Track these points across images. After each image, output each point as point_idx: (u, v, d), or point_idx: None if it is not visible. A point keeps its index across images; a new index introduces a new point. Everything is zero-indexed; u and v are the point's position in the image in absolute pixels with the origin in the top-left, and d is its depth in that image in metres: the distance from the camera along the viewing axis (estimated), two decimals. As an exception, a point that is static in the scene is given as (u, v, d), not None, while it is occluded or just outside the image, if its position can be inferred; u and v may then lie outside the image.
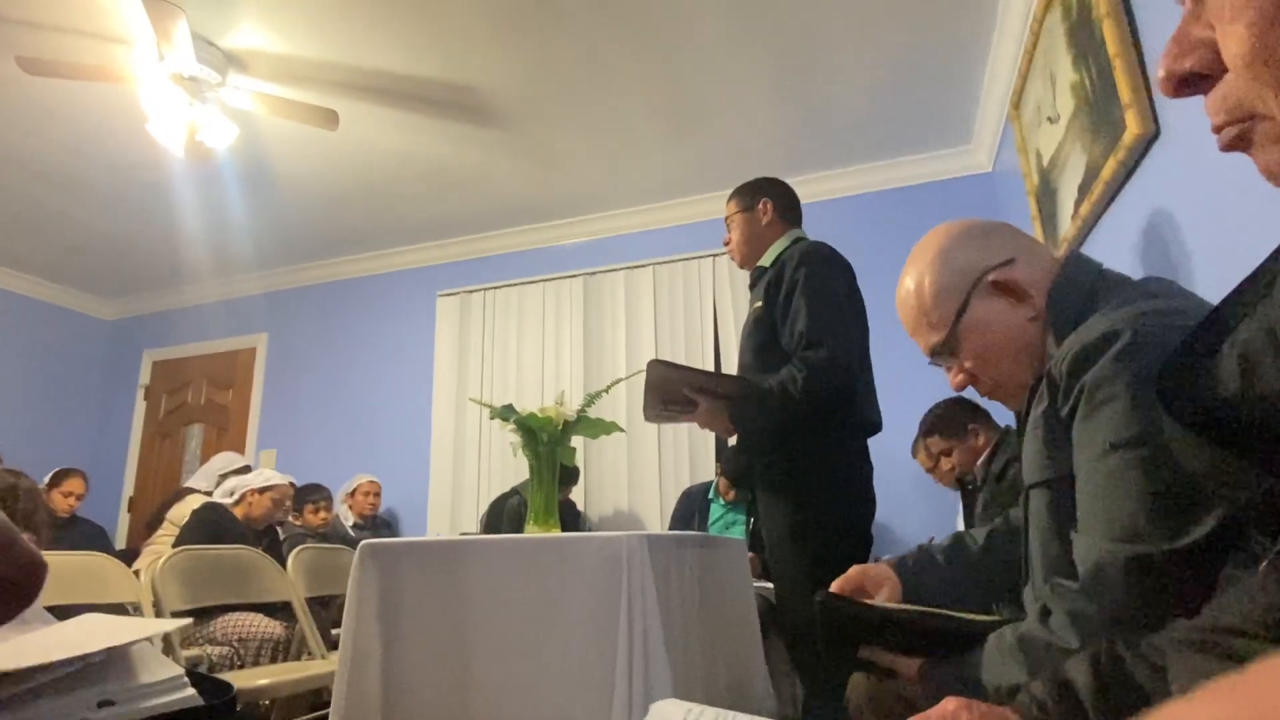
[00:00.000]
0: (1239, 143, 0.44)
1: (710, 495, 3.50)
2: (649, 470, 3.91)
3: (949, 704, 0.58)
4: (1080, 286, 0.85)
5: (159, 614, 2.04)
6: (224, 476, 3.62)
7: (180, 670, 0.62)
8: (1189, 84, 0.45)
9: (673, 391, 1.78)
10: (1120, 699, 0.53)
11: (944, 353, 0.93)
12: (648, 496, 3.88)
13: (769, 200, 1.99)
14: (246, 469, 3.72)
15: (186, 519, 2.97)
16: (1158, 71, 0.46)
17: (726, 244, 2.06)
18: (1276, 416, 0.44)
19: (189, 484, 3.79)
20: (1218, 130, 0.44)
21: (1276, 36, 0.38)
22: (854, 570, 1.06)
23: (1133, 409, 0.69)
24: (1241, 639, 0.42)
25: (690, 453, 3.88)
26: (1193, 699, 0.19)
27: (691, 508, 3.49)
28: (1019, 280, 0.88)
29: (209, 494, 3.61)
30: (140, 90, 2.80)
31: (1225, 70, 0.42)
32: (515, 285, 4.45)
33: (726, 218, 2.05)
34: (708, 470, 3.75)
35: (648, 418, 1.90)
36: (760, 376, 1.77)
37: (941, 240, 0.94)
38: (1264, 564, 0.44)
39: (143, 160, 3.57)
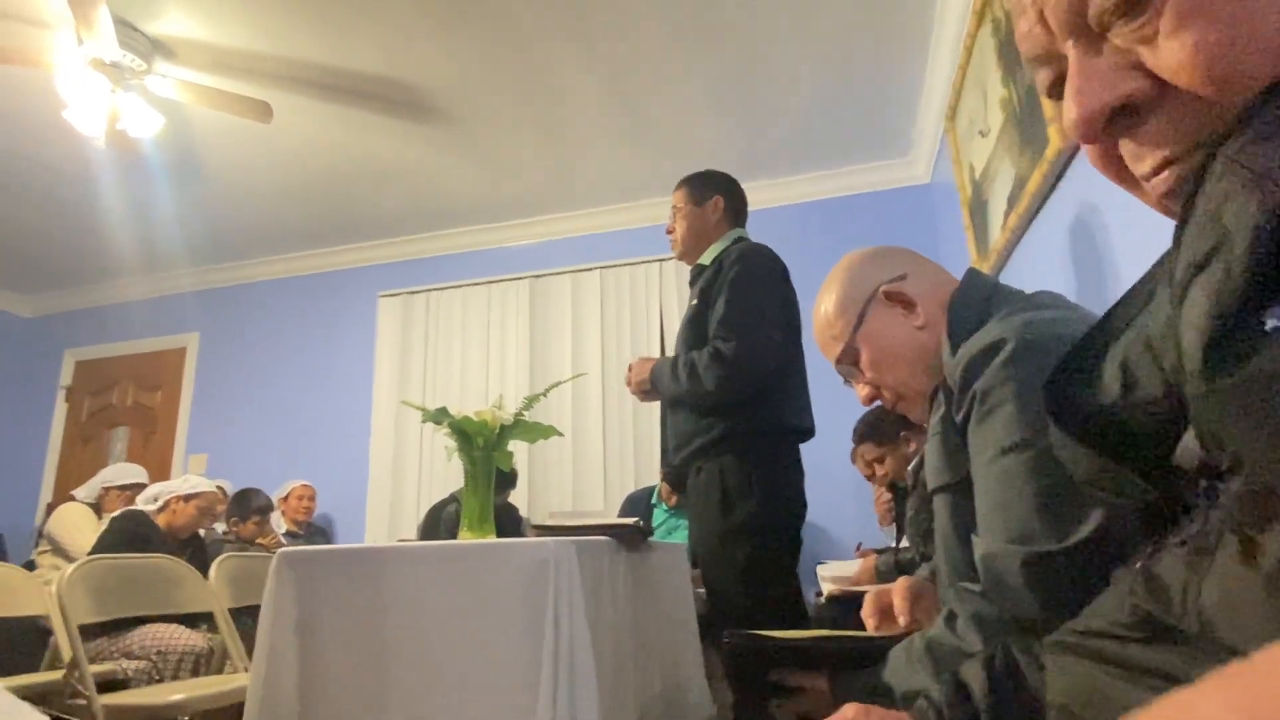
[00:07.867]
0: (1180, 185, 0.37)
1: (653, 500, 3.50)
2: (593, 475, 3.89)
3: (848, 710, 0.58)
4: (976, 299, 0.90)
5: (65, 627, 1.93)
6: (107, 490, 3.50)
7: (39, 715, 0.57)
8: (1118, 120, 0.39)
9: None
10: (1012, 701, 0.54)
11: (846, 361, 0.99)
12: (592, 501, 3.85)
13: (721, 198, 1.97)
14: (140, 487, 3.50)
15: (91, 530, 2.86)
16: (1069, 118, 0.40)
17: (670, 232, 2.02)
18: (1154, 425, 0.45)
19: (75, 491, 3.64)
20: (1163, 168, 0.39)
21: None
22: (893, 586, 1.02)
23: (1020, 413, 0.72)
24: (1106, 640, 0.43)
25: (635, 457, 3.87)
26: (1200, 686, 0.18)
27: (635, 512, 3.47)
28: (908, 291, 0.96)
29: (93, 505, 3.49)
30: (57, 76, 2.66)
31: (1161, 94, 0.37)
32: (459, 287, 4.37)
33: (673, 206, 2.01)
34: (652, 475, 3.75)
35: None
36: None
37: (845, 264, 1.04)
38: (1136, 566, 0.44)
39: (63, 150, 3.39)
